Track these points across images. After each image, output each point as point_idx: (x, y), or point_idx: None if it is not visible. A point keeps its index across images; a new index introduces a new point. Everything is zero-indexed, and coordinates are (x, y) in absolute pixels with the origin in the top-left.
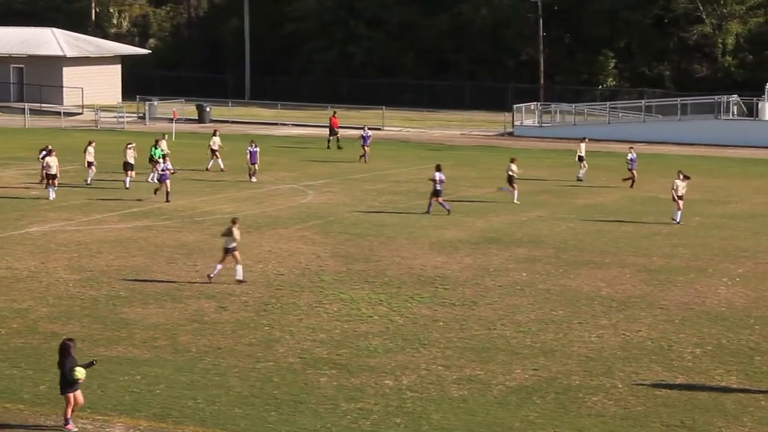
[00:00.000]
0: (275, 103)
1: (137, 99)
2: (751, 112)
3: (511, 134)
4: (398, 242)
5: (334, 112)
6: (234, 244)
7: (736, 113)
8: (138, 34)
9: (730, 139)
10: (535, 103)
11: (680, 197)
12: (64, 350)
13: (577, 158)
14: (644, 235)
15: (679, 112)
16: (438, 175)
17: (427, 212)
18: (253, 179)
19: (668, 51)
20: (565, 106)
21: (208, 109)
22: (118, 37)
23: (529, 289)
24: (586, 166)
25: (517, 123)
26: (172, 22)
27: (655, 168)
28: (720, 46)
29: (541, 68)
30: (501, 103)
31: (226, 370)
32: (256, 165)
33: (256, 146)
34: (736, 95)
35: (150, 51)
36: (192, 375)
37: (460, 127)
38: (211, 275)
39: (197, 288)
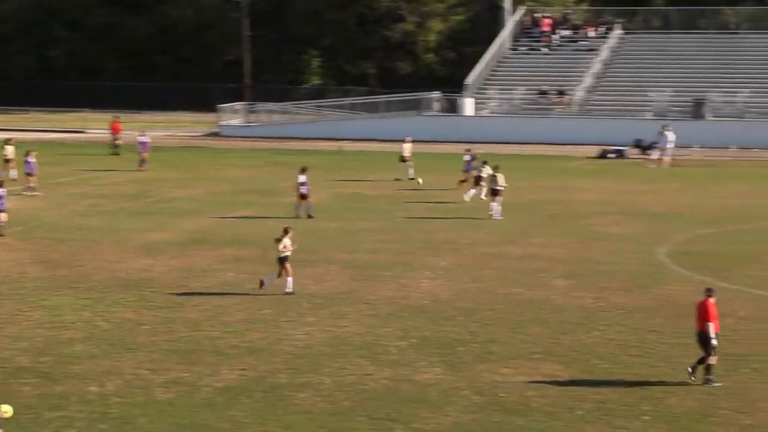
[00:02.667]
0: None
1: None
2: (453, 108)
3: (217, 134)
4: (103, 246)
5: (116, 117)
6: (287, 254)
7: (438, 109)
8: None
9: (434, 135)
10: (241, 102)
11: None
12: None
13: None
14: (350, 232)
15: (383, 109)
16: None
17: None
18: (28, 192)
19: (372, 49)
20: (271, 106)
21: None
22: None
23: (237, 289)
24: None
25: (223, 123)
26: None
27: (361, 165)
28: (422, 43)
29: (247, 68)
30: (207, 104)
31: None
32: (33, 177)
33: (32, 157)
34: (438, 92)
35: None
36: None
37: (166, 129)
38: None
39: None
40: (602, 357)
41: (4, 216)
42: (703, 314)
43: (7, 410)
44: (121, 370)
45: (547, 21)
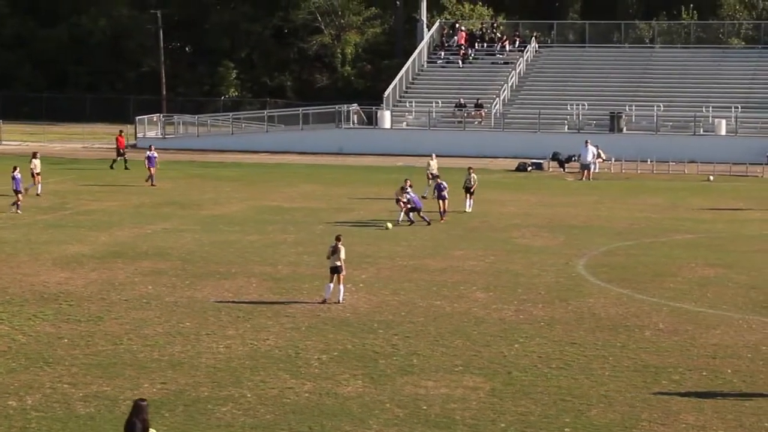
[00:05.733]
0: None
1: None
2: (371, 120)
3: (134, 146)
4: (19, 259)
5: (120, 132)
6: (339, 263)
7: (356, 122)
8: None
9: (352, 148)
10: (158, 114)
11: None
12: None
13: None
14: (269, 245)
15: (301, 121)
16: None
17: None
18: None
19: (289, 61)
20: (188, 118)
21: None
22: None
23: (156, 302)
24: None
25: (140, 135)
26: None
27: (277, 177)
28: (339, 56)
29: (163, 80)
30: (123, 115)
31: None
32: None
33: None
34: (356, 104)
35: None
36: None
37: (82, 140)
38: (326, 297)
39: None
40: (523, 369)
41: None
42: None
43: None
44: (40, 384)
45: (463, 34)
